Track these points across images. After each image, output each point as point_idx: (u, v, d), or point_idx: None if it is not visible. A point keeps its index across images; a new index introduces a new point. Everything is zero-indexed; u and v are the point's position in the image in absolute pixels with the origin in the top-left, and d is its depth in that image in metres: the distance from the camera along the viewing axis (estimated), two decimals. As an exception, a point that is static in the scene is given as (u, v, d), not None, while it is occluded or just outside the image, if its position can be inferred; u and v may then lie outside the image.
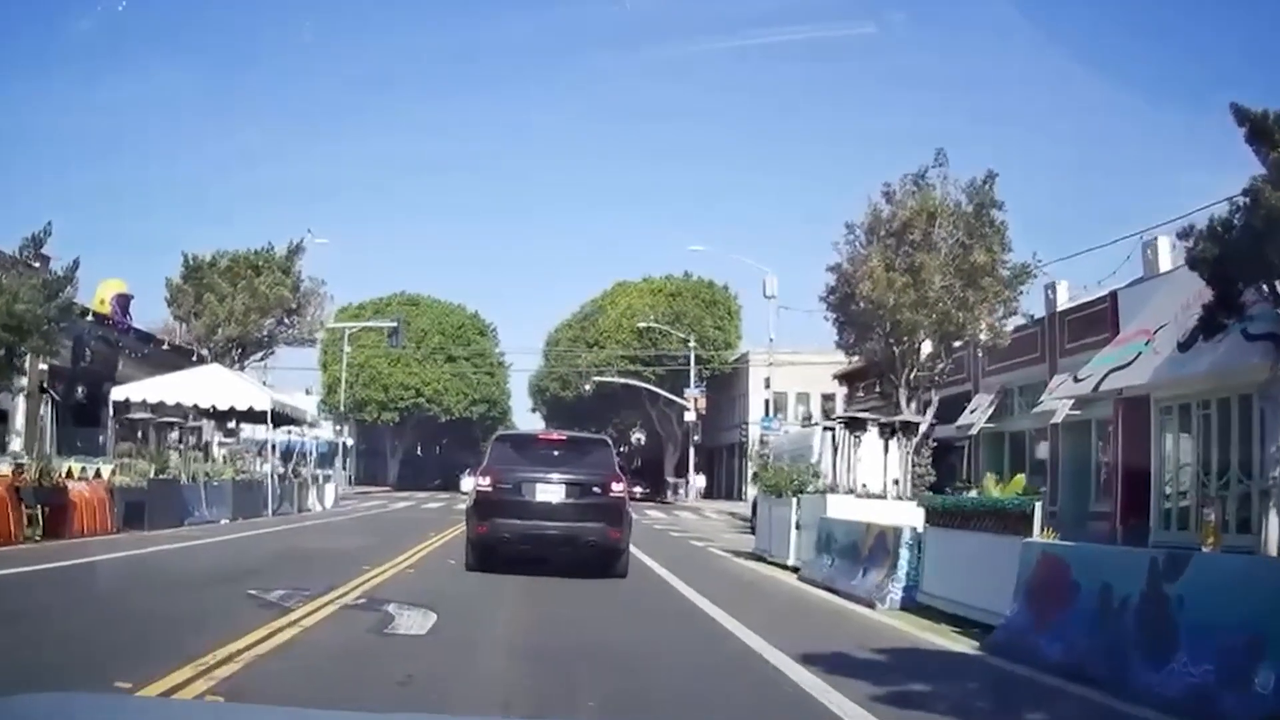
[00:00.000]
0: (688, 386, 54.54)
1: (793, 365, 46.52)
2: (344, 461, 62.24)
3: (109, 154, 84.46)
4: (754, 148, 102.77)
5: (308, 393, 65.28)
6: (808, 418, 52.01)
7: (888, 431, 17.11)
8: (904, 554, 11.06)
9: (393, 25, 75.07)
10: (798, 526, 15.29)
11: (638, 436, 66.05)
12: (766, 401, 45.69)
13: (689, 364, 55.07)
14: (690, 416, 53.85)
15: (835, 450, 17.26)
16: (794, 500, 15.52)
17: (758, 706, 6.59)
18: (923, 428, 19.11)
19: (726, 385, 60.99)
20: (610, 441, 14.35)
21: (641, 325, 58.20)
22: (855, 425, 16.68)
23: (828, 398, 54.55)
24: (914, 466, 17.32)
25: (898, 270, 24.66)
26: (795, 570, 14.94)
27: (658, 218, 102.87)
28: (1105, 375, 19.09)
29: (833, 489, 15.11)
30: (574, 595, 11.53)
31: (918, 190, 25.53)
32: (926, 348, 26.78)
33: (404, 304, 66.87)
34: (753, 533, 27.69)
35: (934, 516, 11.34)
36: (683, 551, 19.59)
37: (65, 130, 77.01)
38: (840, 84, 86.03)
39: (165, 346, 36.12)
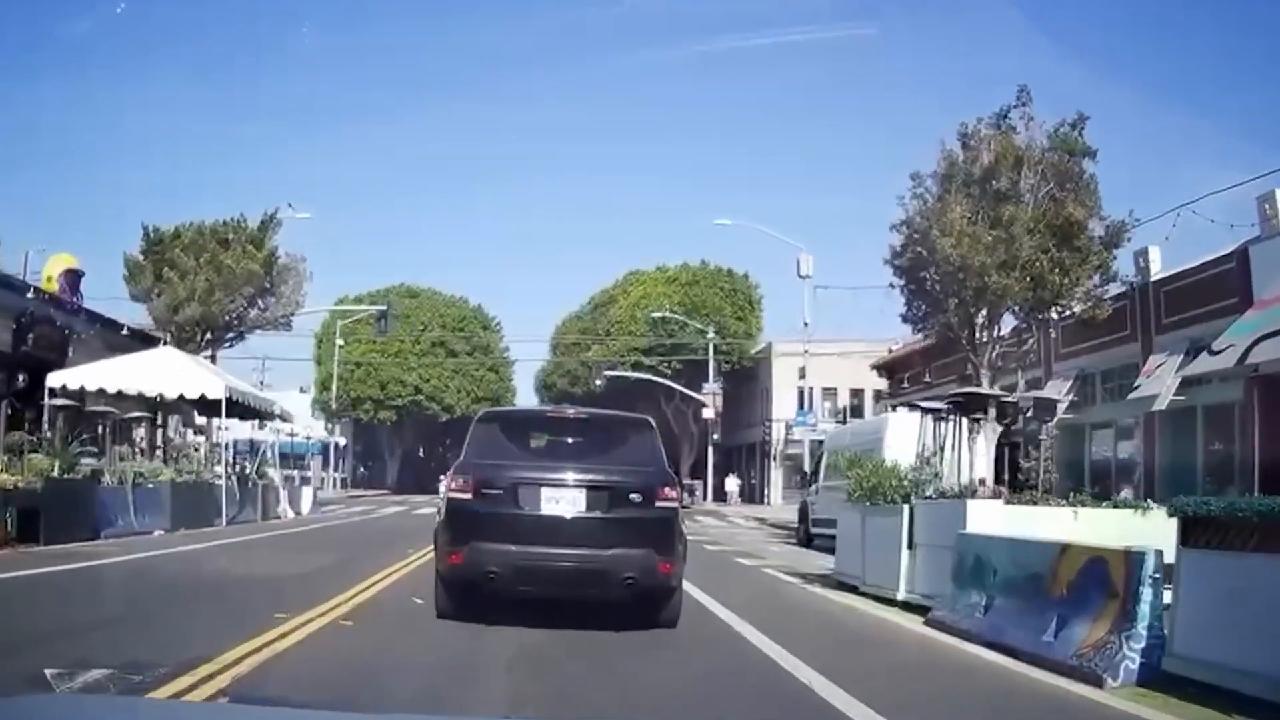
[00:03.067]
0: (705, 381, 50.31)
1: (826, 356, 42.00)
2: (336, 462, 58.42)
3: (107, 148, 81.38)
4: (757, 143, 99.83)
5: (302, 390, 61.52)
6: (840, 413, 47.72)
7: (1009, 415, 12.84)
8: (1146, 595, 6.73)
9: (393, 20, 72.01)
10: (910, 546, 10.85)
11: (651, 435, 61.75)
12: (801, 392, 41.17)
13: (706, 357, 50.80)
14: (709, 414, 49.64)
15: (937, 442, 12.88)
16: (904, 510, 11.04)
17: None
18: (1061, 408, 14.78)
19: (747, 380, 56.73)
20: (654, 424, 9.55)
21: (656, 315, 53.93)
22: (973, 405, 12.28)
23: (856, 393, 50.31)
24: (1042, 461, 13.01)
25: (981, 224, 20.61)
26: (908, 607, 10.54)
27: (671, 206, 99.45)
28: (1252, 344, 16.00)
29: (971, 493, 10.57)
30: (598, 670, 7.11)
31: (998, 133, 21.55)
32: (1006, 321, 22.87)
33: (402, 296, 63.05)
34: (802, 544, 23.45)
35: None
36: (735, 576, 14.92)
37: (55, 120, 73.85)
38: (847, 81, 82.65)
39: (125, 331, 32.14)
